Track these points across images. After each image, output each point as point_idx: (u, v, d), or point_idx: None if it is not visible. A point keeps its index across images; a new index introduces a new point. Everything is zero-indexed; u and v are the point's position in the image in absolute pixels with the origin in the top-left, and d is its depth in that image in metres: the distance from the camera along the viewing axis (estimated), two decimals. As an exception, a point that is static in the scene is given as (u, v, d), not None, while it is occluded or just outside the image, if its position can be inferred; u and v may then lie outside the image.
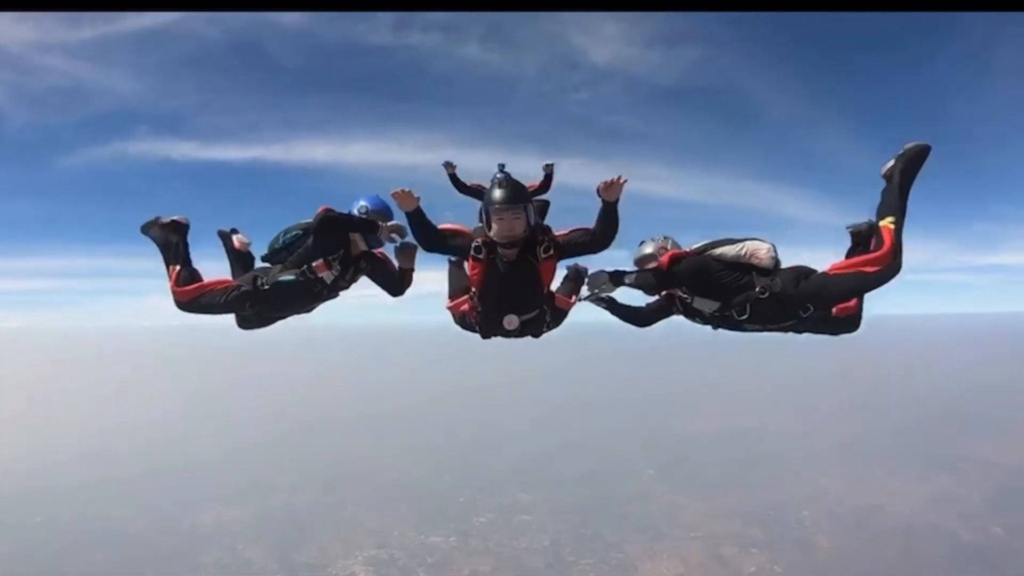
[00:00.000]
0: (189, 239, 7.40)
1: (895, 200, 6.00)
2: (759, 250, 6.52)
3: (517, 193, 5.98)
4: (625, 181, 5.74)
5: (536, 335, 6.94)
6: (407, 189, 6.04)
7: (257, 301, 7.07)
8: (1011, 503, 63.51)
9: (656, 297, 7.37)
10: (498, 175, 9.17)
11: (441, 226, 6.44)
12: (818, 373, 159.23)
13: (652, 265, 6.85)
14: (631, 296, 7.42)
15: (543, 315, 6.71)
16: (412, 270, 7.47)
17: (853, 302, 6.93)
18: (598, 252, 6.48)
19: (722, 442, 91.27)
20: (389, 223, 6.91)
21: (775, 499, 67.40)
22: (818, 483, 71.63)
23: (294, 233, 7.01)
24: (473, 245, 6.18)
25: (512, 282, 6.24)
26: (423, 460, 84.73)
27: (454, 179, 9.85)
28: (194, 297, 7.01)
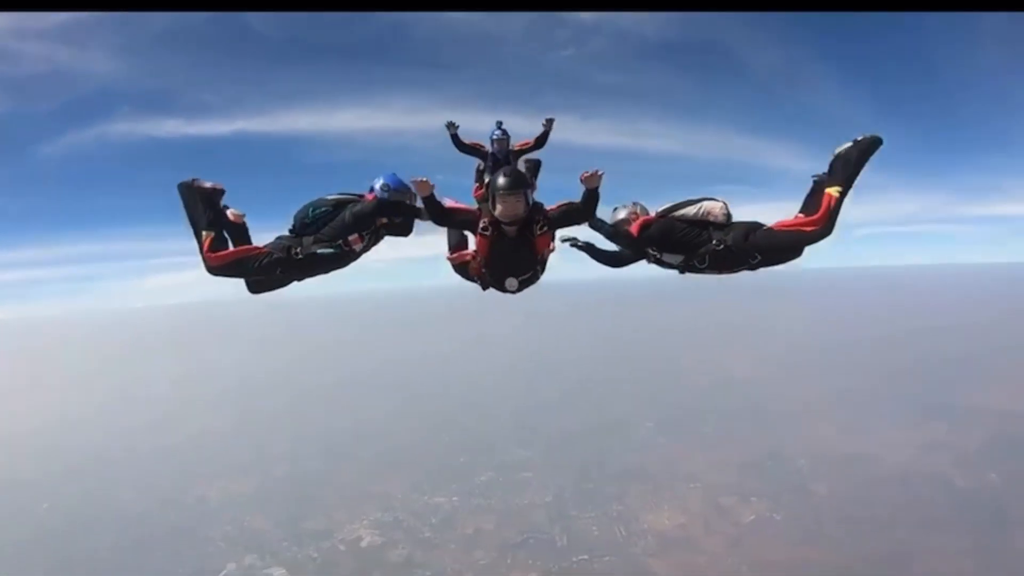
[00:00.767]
0: (224, 208, 7.85)
1: (846, 174, 7.05)
2: (714, 208, 7.68)
3: (519, 180, 6.97)
4: (603, 173, 6.82)
5: (530, 286, 7.91)
6: (424, 178, 6.93)
7: (288, 268, 7.69)
8: (1005, 449, 64.22)
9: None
10: (495, 132, 10.03)
11: (447, 205, 7.36)
12: (812, 324, 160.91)
13: (624, 230, 7.95)
14: (606, 243, 8.48)
15: (536, 273, 7.72)
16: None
17: None
18: (582, 224, 7.72)
19: (718, 394, 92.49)
20: (419, 205, 7.44)
21: (772, 449, 68.34)
22: (814, 432, 72.56)
23: (323, 209, 7.65)
24: (481, 224, 7.16)
25: (514, 253, 7.33)
26: (421, 424, 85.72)
27: (455, 139, 10.16)
28: (227, 263, 7.50)
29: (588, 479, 63.82)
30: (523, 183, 6.96)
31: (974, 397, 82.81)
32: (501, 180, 6.87)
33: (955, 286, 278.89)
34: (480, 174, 10.23)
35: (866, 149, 7.01)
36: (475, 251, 7.74)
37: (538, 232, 7.18)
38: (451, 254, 8.35)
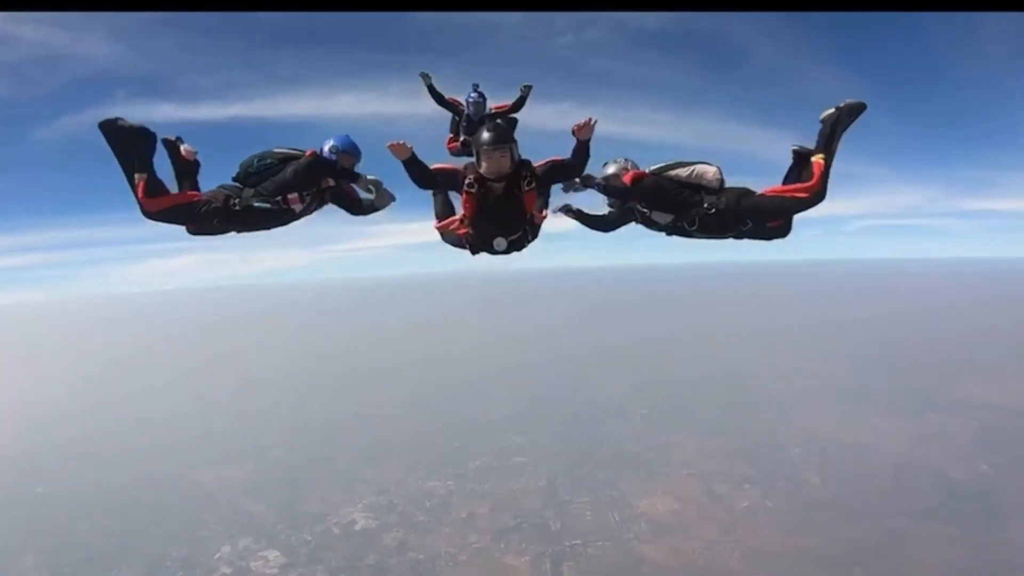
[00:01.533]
0: (156, 150, 7.54)
1: (829, 142, 7.12)
2: (707, 172, 7.65)
3: (503, 134, 6.92)
4: (596, 122, 6.72)
5: (520, 249, 7.83)
6: (401, 141, 6.81)
7: (225, 218, 7.52)
8: (997, 441, 64.53)
9: (615, 208, 8.44)
10: (472, 94, 10.18)
11: (433, 167, 7.20)
12: (808, 316, 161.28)
13: (617, 182, 7.85)
14: (595, 209, 8.56)
15: (526, 234, 7.65)
16: (379, 210, 8.07)
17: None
18: (571, 179, 7.74)
19: (713, 382, 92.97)
20: (369, 177, 7.58)
21: (766, 438, 68.73)
22: (809, 422, 72.90)
23: (268, 161, 7.51)
24: (466, 181, 7.06)
25: (501, 210, 7.24)
26: (415, 410, 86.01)
27: (432, 90, 10.26)
28: (165, 208, 7.34)
29: (582, 465, 63.93)
30: (507, 138, 6.93)
31: (967, 388, 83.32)
32: (485, 135, 6.83)
33: (951, 279, 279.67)
34: (456, 126, 10.39)
35: (849, 113, 7.03)
36: (462, 213, 7.58)
37: (525, 188, 7.11)
38: (438, 223, 8.18)
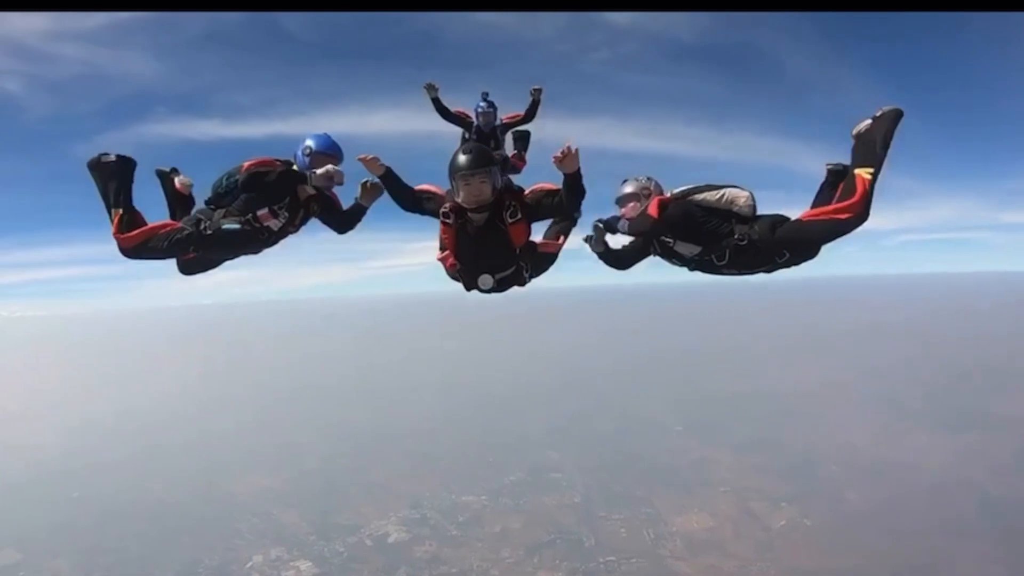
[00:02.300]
0: (133, 181, 7.02)
1: (876, 152, 6.21)
2: (739, 197, 6.75)
3: (482, 157, 5.99)
4: (577, 149, 5.71)
5: (521, 285, 7.00)
6: (373, 156, 6.17)
7: (200, 245, 6.76)
8: (1040, 458, 62.43)
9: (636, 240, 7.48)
10: (480, 104, 9.49)
11: (417, 188, 6.47)
12: (848, 331, 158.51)
13: (636, 210, 6.94)
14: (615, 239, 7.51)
15: (520, 270, 6.76)
16: (366, 208, 7.23)
17: None
18: (568, 219, 7.03)
19: (750, 401, 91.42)
20: (321, 170, 6.46)
21: (804, 455, 67.48)
22: (847, 439, 71.40)
23: (236, 177, 6.66)
24: (441, 211, 6.21)
25: (483, 245, 6.34)
26: (451, 425, 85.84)
27: (437, 103, 9.54)
28: (139, 243, 6.64)
29: (618, 481, 63.40)
30: (487, 160, 6.00)
31: (1009, 405, 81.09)
32: (461, 158, 5.90)
33: (992, 294, 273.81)
34: (465, 142, 9.42)
35: (891, 124, 6.25)
36: (443, 245, 6.74)
37: (510, 220, 6.17)
38: (440, 254, 7.07)
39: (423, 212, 6.48)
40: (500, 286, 6.75)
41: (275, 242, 7.06)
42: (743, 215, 6.75)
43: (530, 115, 9.71)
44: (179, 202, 7.35)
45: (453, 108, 9.61)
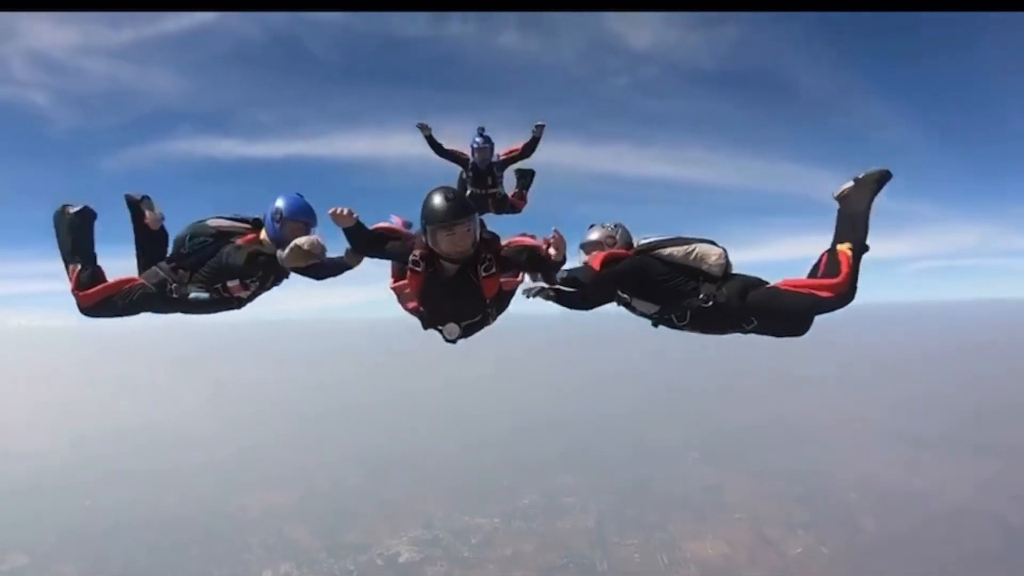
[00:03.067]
0: (95, 231, 6.59)
1: (855, 227, 5.77)
2: (710, 255, 6.24)
3: (465, 206, 5.54)
4: (566, 244, 5.66)
5: (481, 329, 6.64)
6: (345, 210, 5.74)
7: (164, 307, 6.41)
8: (1061, 488, 61.51)
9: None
10: (476, 139, 9.11)
11: (375, 227, 6.12)
12: (863, 359, 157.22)
13: (586, 259, 6.61)
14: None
15: (487, 316, 6.45)
16: (351, 266, 6.61)
17: None
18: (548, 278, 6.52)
19: (766, 427, 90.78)
20: (287, 252, 5.98)
21: (821, 482, 66.65)
22: (865, 467, 70.49)
23: (200, 239, 6.37)
24: (411, 259, 5.78)
25: (453, 295, 5.97)
26: (465, 446, 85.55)
27: (431, 141, 9.21)
28: (97, 301, 6.27)
29: (632, 506, 62.93)
30: (468, 209, 5.52)
31: (1029, 435, 79.94)
32: (442, 206, 5.38)
33: (1012, 322, 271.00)
34: (462, 184, 9.28)
35: (873, 190, 5.74)
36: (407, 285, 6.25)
37: (483, 273, 5.80)
38: (394, 281, 6.77)
39: (382, 254, 6.22)
40: (466, 332, 6.41)
41: (240, 307, 6.71)
42: (712, 274, 6.24)
43: (528, 151, 9.28)
44: (149, 240, 6.75)
45: (448, 145, 9.31)
